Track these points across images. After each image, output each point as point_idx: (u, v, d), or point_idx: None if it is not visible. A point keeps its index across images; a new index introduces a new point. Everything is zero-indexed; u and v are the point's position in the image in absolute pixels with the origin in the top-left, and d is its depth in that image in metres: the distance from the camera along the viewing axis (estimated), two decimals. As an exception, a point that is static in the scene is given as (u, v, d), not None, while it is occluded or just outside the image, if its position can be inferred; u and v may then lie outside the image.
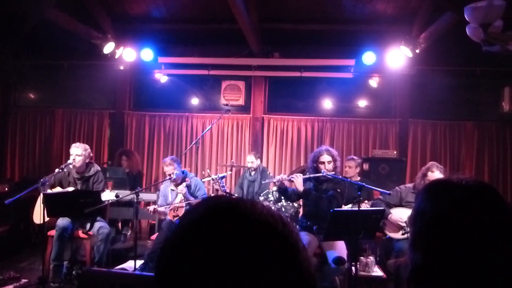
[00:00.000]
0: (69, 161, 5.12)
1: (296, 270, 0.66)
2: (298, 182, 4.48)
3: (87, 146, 5.26)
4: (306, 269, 0.67)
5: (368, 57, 7.08)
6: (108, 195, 4.81)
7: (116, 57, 7.37)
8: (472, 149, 7.52)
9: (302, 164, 7.47)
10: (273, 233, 0.66)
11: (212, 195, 6.28)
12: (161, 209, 5.31)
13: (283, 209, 6.04)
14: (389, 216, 4.60)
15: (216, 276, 0.62)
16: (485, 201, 1.05)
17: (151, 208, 5.22)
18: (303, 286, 0.66)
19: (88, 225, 5.05)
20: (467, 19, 3.62)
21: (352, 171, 5.97)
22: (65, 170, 5.14)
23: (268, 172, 6.93)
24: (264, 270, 0.62)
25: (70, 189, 5.09)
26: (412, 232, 1.13)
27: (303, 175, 4.62)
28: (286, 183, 4.64)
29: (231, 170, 7.47)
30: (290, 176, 4.61)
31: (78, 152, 5.09)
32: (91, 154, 5.41)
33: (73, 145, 5.19)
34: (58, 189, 5.12)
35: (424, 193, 1.14)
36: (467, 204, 1.04)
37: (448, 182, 1.14)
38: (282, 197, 5.74)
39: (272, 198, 6.03)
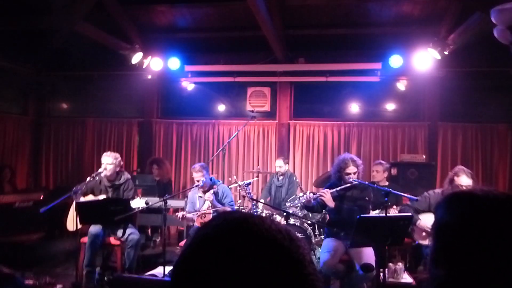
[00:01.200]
0: (100, 170, 5.27)
1: (302, 285, 0.68)
2: (327, 198, 4.47)
3: (118, 155, 5.40)
4: (312, 283, 0.69)
5: (395, 60, 6.98)
6: (138, 203, 4.92)
7: (144, 66, 7.52)
8: (506, 152, 7.29)
9: (329, 169, 7.42)
10: (279, 249, 0.68)
11: (239, 201, 6.32)
12: (189, 215, 5.38)
13: (310, 215, 6.02)
14: (418, 222, 4.52)
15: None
16: (508, 214, 1.03)
17: (179, 214, 5.30)
18: None
19: (120, 232, 5.17)
20: (493, 21, 3.54)
21: (379, 175, 5.90)
22: (97, 178, 5.29)
23: (295, 178, 6.91)
24: (271, 285, 0.65)
25: (102, 197, 5.23)
26: (434, 246, 1.11)
27: (329, 186, 4.62)
28: (312, 199, 4.62)
29: (257, 177, 7.50)
30: (318, 193, 4.60)
31: (109, 161, 5.24)
32: (122, 163, 5.54)
33: (104, 154, 5.35)
34: (90, 197, 5.27)
35: (445, 206, 1.12)
36: (493, 217, 1.03)
37: (471, 195, 1.11)
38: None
39: (299, 204, 6.01)
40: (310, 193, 4.83)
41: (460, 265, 1.00)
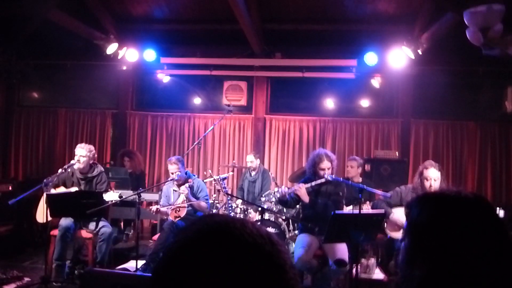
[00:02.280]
0: (72, 162, 5.16)
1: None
2: (302, 193, 4.50)
3: (92, 147, 5.29)
4: (294, 287, 0.69)
5: (370, 58, 7.06)
6: (111, 196, 4.85)
7: (119, 57, 7.40)
8: (475, 149, 7.49)
9: (304, 165, 7.47)
10: (261, 254, 0.68)
11: (214, 196, 6.30)
12: (163, 209, 5.34)
13: (284, 210, 6.05)
14: (390, 215, 4.61)
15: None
16: (482, 214, 1.06)
17: (153, 208, 5.25)
18: None
19: (93, 225, 5.09)
20: (466, 23, 3.62)
21: (353, 171, 5.97)
22: (69, 170, 5.18)
23: (270, 173, 6.93)
24: None
25: (74, 189, 5.13)
26: (407, 246, 1.12)
27: (304, 181, 4.65)
28: (287, 194, 4.64)
29: (232, 171, 7.49)
30: (293, 188, 4.62)
31: (82, 153, 5.13)
32: (95, 155, 5.44)
33: (78, 145, 5.23)
34: (62, 189, 5.16)
35: (418, 206, 1.14)
36: (464, 217, 1.06)
37: (443, 195, 1.14)
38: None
39: (274, 199, 6.04)
40: (285, 187, 4.84)
41: (438, 265, 1.02)
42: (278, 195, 4.67)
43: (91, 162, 5.28)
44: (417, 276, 1.06)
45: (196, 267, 0.66)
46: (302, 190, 4.50)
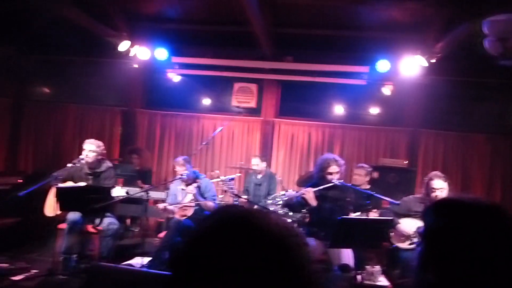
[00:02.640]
0: (81, 156, 5.20)
1: (307, 281, 0.68)
2: (310, 197, 4.50)
3: (101, 143, 5.33)
4: (317, 280, 0.69)
5: (382, 65, 7.04)
6: (118, 192, 4.87)
7: (130, 55, 7.43)
8: (484, 162, 7.42)
9: (311, 169, 7.46)
10: (285, 245, 0.68)
11: (221, 196, 6.31)
12: (170, 207, 5.36)
13: (289, 214, 6.03)
14: (397, 225, 4.59)
15: (228, 287, 0.64)
16: (497, 222, 1.06)
17: (161, 206, 5.26)
18: None
19: (98, 220, 5.11)
20: (485, 32, 3.60)
21: (361, 179, 5.95)
22: (78, 165, 5.21)
23: (276, 177, 6.92)
24: (276, 280, 0.65)
25: (82, 184, 5.15)
26: (422, 251, 1.13)
27: (311, 185, 4.65)
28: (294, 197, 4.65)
29: (240, 172, 7.49)
30: (301, 192, 4.62)
31: (91, 148, 5.17)
32: (104, 151, 5.47)
33: (87, 141, 5.27)
34: (70, 184, 5.19)
35: (434, 212, 1.14)
36: (480, 224, 1.05)
37: (459, 202, 1.14)
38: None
39: (280, 202, 6.03)
40: (292, 191, 4.84)
41: (450, 270, 1.02)
42: (286, 198, 4.67)
43: (99, 157, 5.31)
44: (430, 281, 1.06)
45: (219, 256, 0.66)
46: (310, 194, 4.50)
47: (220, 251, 0.67)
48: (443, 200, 1.26)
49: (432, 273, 1.06)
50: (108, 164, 5.39)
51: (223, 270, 0.65)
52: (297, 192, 4.75)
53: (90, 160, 5.18)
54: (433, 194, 4.39)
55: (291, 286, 0.66)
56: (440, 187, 4.38)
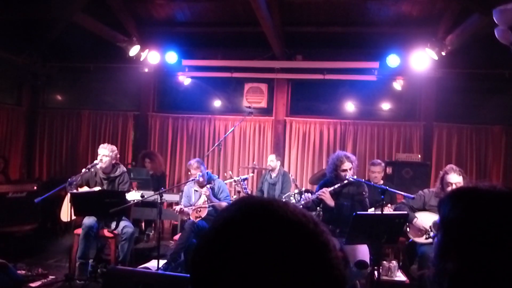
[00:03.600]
0: (95, 161, 5.24)
1: (327, 269, 0.67)
2: (327, 197, 4.49)
3: (114, 147, 5.36)
4: (337, 267, 0.68)
5: (393, 60, 7.00)
6: (133, 196, 4.90)
7: (141, 59, 7.49)
8: (500, 154, 7.33)
9: (324, 167, 7.43)
10: (305, 232, 0.68)
11: (234, 197, 6.32)
12: (186, 209, 5.38)
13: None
14: (414, 220, 4.53)
15: (250, 276, 0.64)
16: None
17: (177, 208, 5.28)
18: (334, 284, 0.67)
19: (113, 225, 5.14)
20: (496, 21, 3.55)
21: (380, 176, 5.80)
22: (92, 170, 5.26)
23: (290, 175, 6.92)
24: (297, 267, 0.64)
25: (97, 189, 5.20)
26: (440, 241, 1.11)
27: (324, 183, 4.62)
28: (311, 199, 4.63)
29: (253, 172, 7.50)
30: (318, 194, 4.60)
31: (105, 153, 5.20)
32: (118, 155, 5.51)
33: (101, 146, 5.31)
34: (85, 189, 5.24)
35: (451, 201, 1.12)
36: (498, 210, 1.04)
37: (477, 189, 1.12)
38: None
39: (294, 201, 6.02)
40: (307, 192, 4.83)
41: (472, 257, 1.01)
42: (303, 202, 4.65)
43: (113, 162, 5.34)
44: (450, 270, 1.04)
45: (241, 245, 0.66)
46: (326, 195, 4.48)
47: (242, 241, 0.67)
48: (460, 189, 1.23)
49: (453, 262, 1.04)
50: (122, 168, 5.43)
51: (246, 260, 0.65)
52: (313, 194, 4.72)
53: (104, 165, 5.22)
54: (449, 189, 4.32)
55: (313, 271, 0.66)
56: (456, 181, 4.30)
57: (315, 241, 0.68)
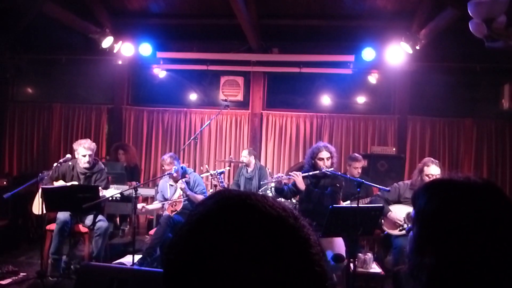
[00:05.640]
0: (68, 156, 5.11)
1: (308, 265, 0.65)
2: (299, 180, 4.48)
3: (93, 144, 5.21)
4: (318, 262, 0.66)
5: (368, 53, 7.06)
6: (112, 192, 4.82)
7: (114, 51, 7.35)
8: (471, 146, 7.51)
9: (300, 160, 7.46)
10: (285, 227, 0.65)
11: (211, 191, 6.28)
12: (152, 206, 5.36)
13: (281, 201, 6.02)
14: (389, 213, 4.59)
15: (228, 270, 0.62)
16: (492, 199, 1.04)
17: (139, 206, 5.17)
18: (315, 280, 0.65)
19: (90, 220, 5.04)
20: (470, 14, 3.59)
21: (358, 171, 5.73)
22: (70, 163, 5.12)
23: (267, 168, 6.91)
24: (277, 263, 0.62)
25: (73, 183, 5.06)
26: (416, 234, 1.10)
27: (302, 172, 4.61)
28: (284, 180, 4.64)
29: (229, 166, 7.47)
30: (289, 174, 4.60)
31: (87, 152, 5.05)
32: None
33: (80, 144, 5.09)
34: (61, 182, 5.10)
35: (426, 193, 1.11)
36: (474, 202, 1.03)
37: (452, 181, 1.11)
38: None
39: (270, 195, 6.02)
40: (281, 174, 4.81)
41: (449, 250, 1.00)
42: (275, 181, 4.65)
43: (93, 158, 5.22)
44: (428, 265, 1.03)
45: (218, 241, 0.63)
46: (298, 177, 4.48)
47: (220, 236, 0.64)
48: (434, 181, 1.23)
49: (430, 256, 1.03)
50: (101, 165, 5.31)
51: (222, 254, 0.63)
52: (285, 175, 4.71)
53: (87, 164, 5.08)
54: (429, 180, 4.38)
55: (294, 266, 0.64)
56: (435, 173, 4.39)
57: (296, 236, 0.66)
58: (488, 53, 4.71)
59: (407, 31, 6.62)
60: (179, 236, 0.68)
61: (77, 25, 6.86)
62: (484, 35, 3.58)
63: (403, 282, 3.82)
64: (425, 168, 4.47)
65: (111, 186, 5.35)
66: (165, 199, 5.44)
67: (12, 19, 7.06)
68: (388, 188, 4.45)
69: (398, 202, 4.69)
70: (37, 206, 4.88)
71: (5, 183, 6.30)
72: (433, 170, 4.41)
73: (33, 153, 8.42)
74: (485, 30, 3.49)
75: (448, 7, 5.44)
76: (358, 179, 4.31)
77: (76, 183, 5.06)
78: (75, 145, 5.16)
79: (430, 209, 1.08)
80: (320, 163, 4.52)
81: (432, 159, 4.60)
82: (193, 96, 8.40)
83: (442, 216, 1.05)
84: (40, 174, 4.89)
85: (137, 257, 4.86)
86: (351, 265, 3.91)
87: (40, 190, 4.79)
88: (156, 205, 5.61)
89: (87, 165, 5.07)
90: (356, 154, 5.98)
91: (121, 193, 4.81)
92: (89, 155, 5.07)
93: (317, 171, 4.50)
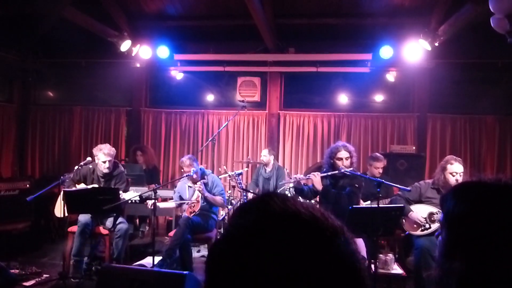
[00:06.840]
0: (89, 159, 5.20)
1: (354, 271, 0.68)
2: (317, 180, 4.45)
3: (113, 148, 5.27)
4: (364, 280, 0.69)
5: (386, 51, 6.97)
6: (131, 195, 4.87)
7: (133, 54, 7.42)
8: (494, 144, 7.35)
9: (318, 160, 7.42)
10: (331, 235, 0.69)
11: (229, 192, 6.28)
12: (163, 204, 5.37)
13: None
14: (410, 213, 4.52)
15: (271, 280, 0.63)
16: None
17: (150, 202, 5.16)
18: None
19: (110, 222, 5.10)
20: (492, 10, 3.51)
21: (379, 171, 5.62)
22: (91, 166, 5.20)
23: (285, 169, 6.89)
24: (326, 274, 0.64)
25: (94, 186, 5.14)
26: (445, 239, 1.06)
27: (320, 172, 4.58)
28: (303, 181, 4.62)
29: (247, 167, 7.48)
30: (308, 175, 4.58)
31: (108, 158, 5.11)
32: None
33: (100, 149, 5.15)
34: (82, 185, 5.18)
35: (455, 196, 1.08)
36: (508, 205, 0.99)
37: (482, 183, 1.08)
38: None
39: (289, 194, 5.99)
40: (300, 175, 4.80)
41: (480, 255, 0.96)
42: (294, 181, 4.64)
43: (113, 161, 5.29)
44: (458, 269, 1.00)
45: (263, 251, 0.65)
46: (316, 177, 4.46)
47: (262, 245, 0.65)
48: (464, 183, 1.18)
49: (460, 261, 1.00)
50: (121, 168, 5.38)
51: (266, 264, 0.64)
52: (305, 175, 4.69)
53: (107, 170, 5.14)
54: (452, 179, 4.29)
55: (343, 277, 0.66)
56: (460, 171, 4.30)
57: (341, 243, 0.69)
58: (510, 49, 4.60)
59: (426, 27, 6.51)
60: (222, 247, 0.70)
61: (96, 29, 6.95)
62: (507, 30, 3.49)
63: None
64: (448, 166, 4.37)
65: (130, 188, 5.41)
66: (183, 200, 5.46)
67: (33, 24, 7.20)
68: (408, 188, 4.38)
69: (420, 201, 4.61)
70: (59, 209, 4.97)
71: (27, 185, 6.42)
72: (457, 168, 4.32)
73: (54, 155, 8.57)
74: (507, 25, 3.41)
75: (468, 2, 5.33)
76: (378, 179, 4.26)
77: (96, 186, 5.13)
78: (95, 151, 5.22)
79: (460, 212, 1.05)
80: (339, 163, 4.46)
81: (454, 157, 4.51)
82: (210, 97, 8.43)
83: (472, 219, 1.01)
84: (61, 176, 4.98)
85: (157, 258, 4.89)
86: (372, 266, 3.86)
87: (61, 193, 4.88)
88: (167, 204, 5.65)
89: (107, 171, 5.14)
90: (378, 154, 5.90)
91: (140, 196, 4.85)
92: (109, 161, 5.13)
93: (336, 171, 4.46)
